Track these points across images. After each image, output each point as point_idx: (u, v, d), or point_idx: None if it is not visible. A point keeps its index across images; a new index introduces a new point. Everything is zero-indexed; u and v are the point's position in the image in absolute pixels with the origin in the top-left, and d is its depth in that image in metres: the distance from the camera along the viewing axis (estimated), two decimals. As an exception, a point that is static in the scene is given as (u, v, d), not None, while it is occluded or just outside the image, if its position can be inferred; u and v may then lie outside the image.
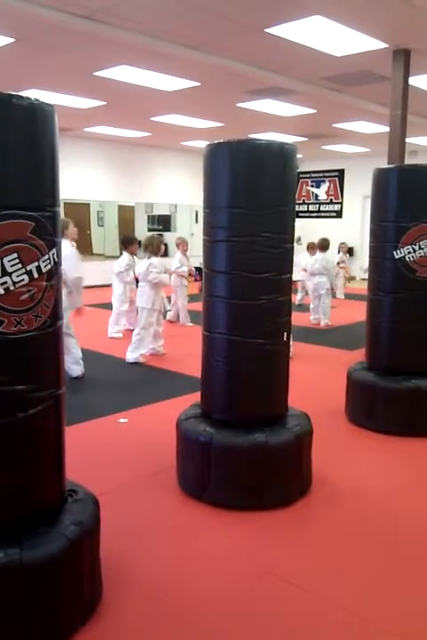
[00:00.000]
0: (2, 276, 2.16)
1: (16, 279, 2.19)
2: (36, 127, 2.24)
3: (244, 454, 3.40)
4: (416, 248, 4.59)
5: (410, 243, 4.59)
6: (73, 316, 6.18)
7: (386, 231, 4.71)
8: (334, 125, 11.82)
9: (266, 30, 6.23)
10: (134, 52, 6.98)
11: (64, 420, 2.55)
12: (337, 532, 3.27)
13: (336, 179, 17.47)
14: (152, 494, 3.67)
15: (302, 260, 9.70)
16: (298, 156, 3.66)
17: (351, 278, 14.13)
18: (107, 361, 7.07)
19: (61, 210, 2.54)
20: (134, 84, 8.48)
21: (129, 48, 6.77)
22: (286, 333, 3.60)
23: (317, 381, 6.30)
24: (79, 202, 15.27)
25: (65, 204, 13.50)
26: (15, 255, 2.18)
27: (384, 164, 5.52)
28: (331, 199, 17.69)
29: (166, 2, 5.52)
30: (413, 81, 7.59)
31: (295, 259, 6.71)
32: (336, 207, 17.57)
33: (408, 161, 7.86)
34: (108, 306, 8.84)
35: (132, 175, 15.22)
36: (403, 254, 4.62)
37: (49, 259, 2.31)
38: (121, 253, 8.57)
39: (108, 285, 9.29)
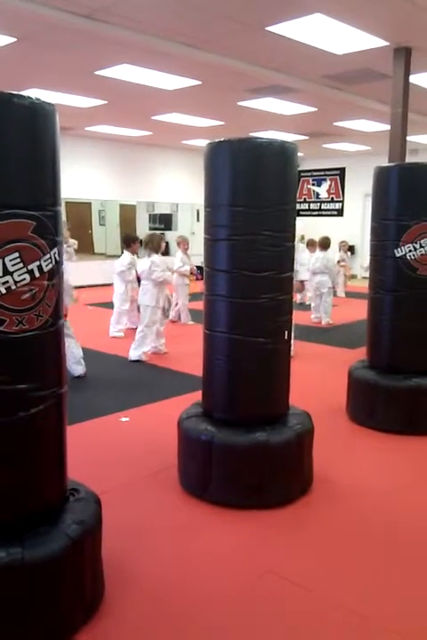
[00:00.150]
0: (3, 276, 2.17)
1: (17, 278, 2.20)
2: (37, 126, 2.24)
3: (245, 453, 3.41)
4: (417, 246, 4.59)
5: (411, 241, 4.59)
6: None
7: (387, 229, 4.71)
8: (334, 124, 11.81)
9: (267, 28, 6.23)
10: (135, 51, 6.98)
11: (66, 419, 2.55)
12: (338, 530, 3.28)
13: (337, 177, 17.45)
14: (153, 493, 3.67)
15: (306, 259, 9.69)
16: (299, 154, 3.66)
17: (352, 277, 14.13)
18: (108, 360, 7.08)
19: (63, 209, 2.55)
20: (135, 82, 8.48)
21: (130, 47, 6.77)
22: (287, 332, 3.60)
23: (318, 380, 6.30)
24: (80, 201, 15.28)
25: (66, 203, 13.50)
26: (16, 254, 2.19)
27: (385, 163, 5.52)
28: (332, 197, 17.68)
29: (167, 1, 5.52)
30: (414, 79, 7.58)
31: (300, 257, 6.75)
32: (337, 205, 17.56)
33: (409, 159, 7.87)
34: (110, 305, 8.85)
35: (133, 174, 15.22)
36: (404, 252, 4.62)
37: (50, 258, 2.31)
38: (122, 252, 8.57)
39: (110, 285, 9.30)
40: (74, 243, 12.36)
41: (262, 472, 3.42)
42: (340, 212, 17.47)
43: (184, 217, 17.00)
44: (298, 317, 7.20)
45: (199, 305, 4.17)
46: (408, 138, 7.57)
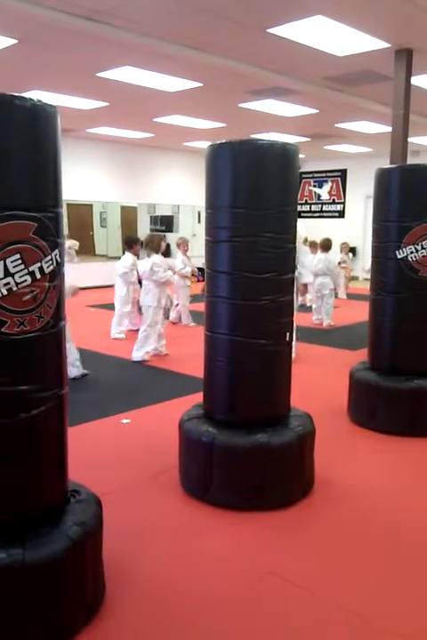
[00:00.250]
0: (5, 277, 2.17)
1: (19, 280, 2.20)
2: (38, 128, 2.24)
3: (246, 455, 3.40)
4: (419, 248, 4.58)
5: (413, 242, 4.59)
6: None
7: (388, 231, 4.70)
8: (336, 125, 11.81)
9: (268, 30, 6.23)
10: (137, 53, 6.98)
11: (67, 421, 2.55)
12: (339, 532, 3.27)
13: (339, 179, 17.46)
14: (154, 495, 3.67)
15: (309, 262, 9.67)
16: (300, 156, 3.66)
17: (353, 278, 14.12)
18: (109, 361, 7.08)
19: (64, 211, 2.55)
20: (137, 84, 8.49)
21: (132, 49, 6.78)
22: (288, 334, 3.60)
23: (319, 381, 6.30)
24: (82, 203, 15.29)
25: (67, 204, 13.52)
26: (18, 256, 2.19)
27: (387, 164, 5.52)
28: (333, 199, 17.68)
29: (168, 3, 5.52)
30: (415, 80, 7.58)
31: (304, 260, 6.73)
32: (339, 207, 17.56)
33: (411, 161, 7.87)
34: (111, 306, 8.86)
35: (134, 176, 15.23)
36: (405, 254, 4.62)
37: (52, 259, 2.31)
38: (123, 254, 8.57)
39: (111, 286, 9.31)
40: (75, 244, 12.40)
41: (264, 474, 3.42)
42: (341, 214, 17.47)
43: (185, 219, 17.01)
44: (299, 319, 7.21)
45: (200, 306, 4.17)
46: (410, 139, 7.56)
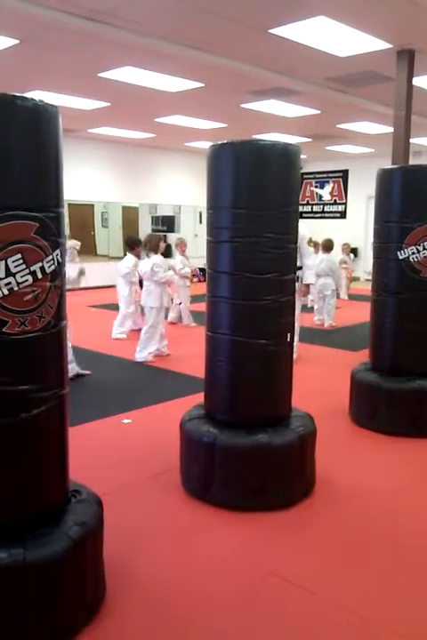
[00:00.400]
0: (6, 277, 2.17)
1: (20, 280, 2.20)
2: (40, 128, 2.25)
3: (247, 455, 3.40)
4: (420, 249, 4.58)
5: (414, 243, 4.59)
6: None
7: (390, 232, 4.70)
8: (338, 126, 11.81)
9: (270, 31, 6.23)
10: (138, 54, 6.99)
11: (67, 421, 2.55)
12: (340, 532, 3.27)
13: (340, 179, 17.45)
14: (155, 495, 3.67)
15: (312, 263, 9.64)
16: (302, 156, 3.66)
17: (354, 279, 14.11)
18: (110, 362, 7.08)
19: (65, 211, 2.55)
20: (138, 85, 8.50)
21: (133, 49, 6.78)
22: (289, 334, 3.60)
23: (320, 382, 6.30)
24: (83, 203, 15.31)
25: (69, 204, 13.53)
26: (19, 256, 2.19)
27: (388, 165, 5.51)
28: (335, 200, 17.67)
29: (170, 3, 5.53)
30: (417, 81, 7.58)
31: (309, 261, 6.72)
32: (340, 208, 17.55)
33: (413, 161, 7.88)
34: (112, 307, 8.87)
35: (136, 176, 15.24)
36: (407, 255, 4.62)
37: (53, 259, 2.31)
38: (125, 255, 8.58)
39: (112, 286, 9.31)
40: (77, 244, 12.40)
41: (265, 474, 3.42)
42: (343, 215, 17.46)
43: (187, 219, 17.02)
44: (300, 320, 7.20)
45: (200, 307, 4.17)
46: (412, 140, 7.56)
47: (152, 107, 10.17)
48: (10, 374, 2.24)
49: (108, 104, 10.03)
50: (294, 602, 2.66)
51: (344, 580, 2.83)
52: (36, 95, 2.56)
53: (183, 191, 16.32)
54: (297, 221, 3.62)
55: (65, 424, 2.52)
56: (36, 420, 2.31)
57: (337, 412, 5.18)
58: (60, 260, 2.36)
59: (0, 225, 2.14)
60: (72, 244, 11.77)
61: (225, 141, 3.45)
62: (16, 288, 2.19)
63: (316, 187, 18.03)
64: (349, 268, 12.98)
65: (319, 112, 10.35)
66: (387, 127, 10.43)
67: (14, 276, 2.18)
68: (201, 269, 8.96)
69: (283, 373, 3.66)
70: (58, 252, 2.34)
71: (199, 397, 3.97)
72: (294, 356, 4.43)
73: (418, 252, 4.59)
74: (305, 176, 17.51)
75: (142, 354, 6.94)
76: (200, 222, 16.10)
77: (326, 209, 17.88)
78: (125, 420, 5.00)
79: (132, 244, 8.36)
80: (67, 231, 6.75)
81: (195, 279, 9.71)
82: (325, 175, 17.76)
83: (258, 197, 3.37)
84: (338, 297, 10.66)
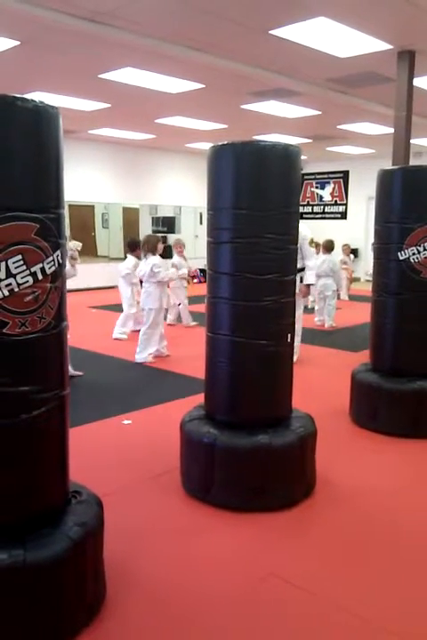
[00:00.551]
0: (6, 278, 2.17)
1: (20, 281, 2.20)
2: (40, 129, 2.25)
3: (247, 456, 3.40)
4: (421, 249, 4.58)
5: (415, 244, 4.59)
6: None
7: (390, 232, 4.70)
8: (338, 127, 11.81)
9: (270, 32, 6.24)
10: (139, 55, 6.99)
11: (68, 422, 2.55)
12: (341, 533, 3.27)
13: (341, 180, 17.45)
14: (156, 496, 3.67)
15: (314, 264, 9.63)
16: (302, 157, 3.66)
17: (354, 279, 14.11)
18: (111, 362, 7.08)
19: (66, 212, 2.55)
20: (139, 86, 8.50)
21: (133, 50, 6.79)
22: (289, 335, 3.60)
23: (321, 383, 6.30)
24: (84, 204, 15.30)
25: (69, 206, 13.53)
26: (20, 257, 2.19)
27: (389, 166, 5.52)
28: (335, 201, 17.67)
29: (170, 4, 5.53)
30: (417, 82, 7.58)
31: (310, 261, 6.72)
32: (341, 209, 17.55)
33: (413, 162, 7.87)
34: (113, 308, 8.88)
35: (136, 177, 15.24)
36: (407, 255, 4.62)
37: (53, 260, 2.31)
38: (125, 256, 8.58)
39: (113, 287, 9.31)
40: (78, 245, 12.38)
41: (265, 475, 3.42)
42: (343, 215, 17.46)
43: (187, 220, 17.02)
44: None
45: (199, 307, 4.17)
46: (412, 141, 7.57)
47: (152, 108, 10.18)
48: (10, 375, 2.24)
49: (109, 105, 10.04)
50: (293, 602, 2.66)
51: (344, 580, 2.83)
52: (37, 96, 2.56)
53: (184, 192, 16.33)
54: (298, 222, 3.62)
55: (65, 425, 2.52)
56: (36, 421, 2.31)
57: (337, 413, 5.18)
58: (60, 261, 2.36)
59: (0, 226, 2.14)
60: (74, 245, 11.76)
61: (225, 142, 3.45)
62: (16, 289, 2.20)
63: (316, 187, 18.04)
64: (349, 268, 12.98)
65: (320, 113, 10.36)
66: (387, 128, 10.44)
67: (15, 277, 2.19)
68: (201, 270, 8.95)
69: (283, 374, 3.66)
70: (58, 253, 2.34)
71: (199, 398, 3.97)
72: (295, 357, 4.44)
73: (418, 252, 4.59)
74: (306, 177, 17.51)
75: (142, 355, 6.94)
76: (201, 223, 16.10)
77: (327, 210, 17.88)
78: (126, 421, 5.01)
79: (133, 246, 8.38)
80: (67, 232, 6.74)
81: (195, 280, 9.70)
82: (325, 176, 17.76)
83: (258, 198, 3.37)
84: (339, 298, 10.67)
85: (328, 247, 9.37)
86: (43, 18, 5.74)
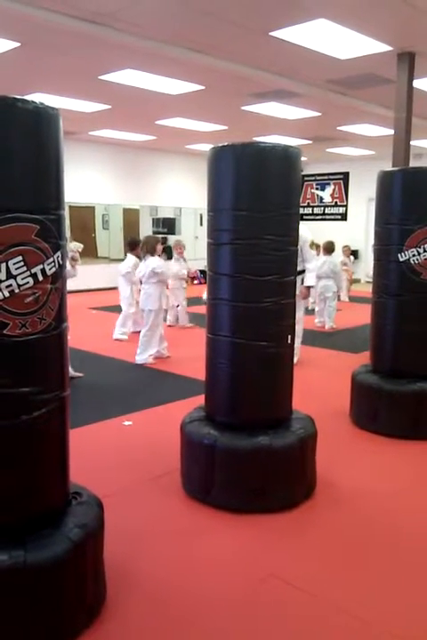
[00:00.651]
0: (7, 279, 2.17)
1: (21, 282, 2.20)
2: (41, 131, 2.25)
3: (248, 457, 3.40)
4: (421, 251, 4.58)
5: (415, 245, 4.59)
6: None
7: (391, 234, 4.70)
8: (338, 128, 11.82)
9: (270, 34, 6.24)
10: (139, 56, 7.00)
11: (68, 423, 2.55)
12: (341, 535, 3.27)
13: (341, 181, 17.46)
14: (156, 497, 3.67)
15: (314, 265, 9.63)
16: (302, 158, 3.66)
17: (354, 281, 14.11)
18: (111, 364, 7.08)
19: (66, 213, 2.56)
20: (139, 87, 8.51)
21: (134, 52, 6.79)
22: (289, 336, 3.60)
23: (321, 384, 6.30)
24: (84, 205, 15.31)
25: (70, 207, 13.53)
26: (20, 258, 2.19)
27: (389, 167, 5.52)
28: (336, 202, 17.68)
29: (171, 6, 5.54)
30: (417, 84, 7.59)
31: (311, 263, 6.72)
32: (341, 210, 17.56)
33: (413, 164, 7.87)
34: (113, 309, 8.88)
35: (136, 178, 15.25)
36: (408, 257, 4.62)
37: (54, 262, 2.31)
38: (125, 256, 8.59)
39: (113, 288, 9.32)
40: (79, 246, 12.38)
41: (265, 476, 3.42)
42: (343, 217, 17.47)
43: (187, 221, 17.02)
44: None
45: (198, 308, 4.17)
46: (412, 142, 7.57)
47: (153, 109, 10.19)
48: (10, 376, 2.24)
49: (109, 107, 10.05)
50: (294, 604, 2.66)
51: (344, 582, 2.83)
52: (37, 98, 2.56)
53: (184, 193, 16.34)
54: (298, 223, 3.62)
55: (66, 426, 2.52)
56: (36, 423, 2.31)
57: (338, 414, 5.18)
58: (60, 262, 2.36)
59: (1, 227, 2.15)
60: (75, 246, 11.76)
61: (226, 144, 3.45)
62: (17, 290, 2.20)
63: (316, 189, 18.05)
64: (349, 270, 12.98)
65: (320, 114, 10.36)
66: (387, 129, 10.45)
67: (15, 279, 2.19)
68: (201, 271, 8.95)
69: (284, 375, 3.66)
70: (59, 254, 2.34)
71: (200, 399, 3.97)
72: (295, 359, 4.44)
73: (419, 254, 4.59)
74: (306, 178, 17.52)
75: (142, 356, 6.94)
76: (201, 224, 16.11)
77: (327, 211, 17.89)
78: (126, 422, 5.01)
79: (133, 245, 8.39)
80: (68, 233, 6.74)
81: (194, 281, 9.70)
82: (325, 177, 17.77)
83: (258, 199, 3.37)
84: (339, 299, 10.67)
85: (328, 249, 9.37)
86: (43, 19, 5.74)
